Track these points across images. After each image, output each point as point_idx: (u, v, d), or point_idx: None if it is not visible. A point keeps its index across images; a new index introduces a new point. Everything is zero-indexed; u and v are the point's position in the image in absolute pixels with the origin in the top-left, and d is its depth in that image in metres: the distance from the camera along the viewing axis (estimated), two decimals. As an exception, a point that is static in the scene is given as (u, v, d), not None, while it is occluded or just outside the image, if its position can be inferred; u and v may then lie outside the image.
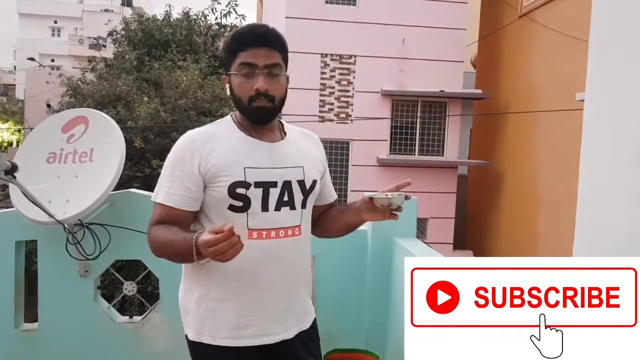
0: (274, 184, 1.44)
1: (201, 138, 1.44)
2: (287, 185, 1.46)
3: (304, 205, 1.51)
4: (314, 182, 1.53)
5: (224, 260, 1.21)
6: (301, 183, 1.49)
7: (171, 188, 1.42)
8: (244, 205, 1.40)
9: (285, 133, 1.55)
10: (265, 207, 1.42)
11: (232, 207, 1.40)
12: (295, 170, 1.49)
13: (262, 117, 1.46)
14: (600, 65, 1.96)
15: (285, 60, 1.48)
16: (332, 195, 1.69)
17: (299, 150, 1.54)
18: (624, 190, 1.74)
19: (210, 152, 1.41)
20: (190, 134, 1.46)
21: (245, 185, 1.40)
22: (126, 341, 2.60)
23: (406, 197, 1.42)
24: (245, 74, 1.41)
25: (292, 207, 1.47)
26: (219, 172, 1.40)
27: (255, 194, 1.41)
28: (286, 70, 1.47)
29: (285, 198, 1.46)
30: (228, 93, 1.48)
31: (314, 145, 1.62)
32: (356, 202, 1.55)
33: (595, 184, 1.94)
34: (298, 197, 1.48)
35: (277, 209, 1.44)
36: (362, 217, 1.52)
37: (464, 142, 11.39)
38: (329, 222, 1.64)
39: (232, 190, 1.39)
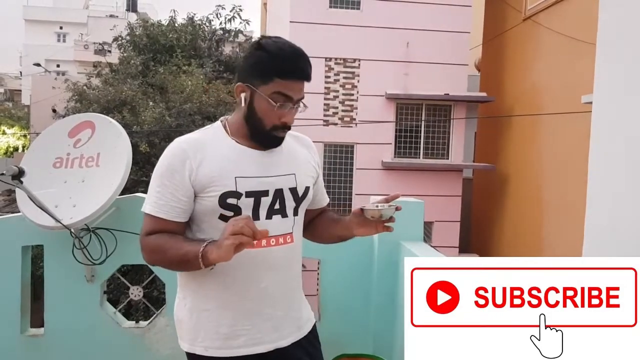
0: (265, 193, 1.41)
1: (191, 147, 1.40)
2: (278, 193, 1.44)
3: (295, 213, 1.48)
4: (307, 189, 1.51)
5: (245, 240, 1.22)
6: (293, 191, 1.47)
7: (160, 199, 1.38)
8: (235, 214, 1.37)
9: None
10: (255, 216, 1.40)
11: (222, 217, 1.38)
12: (287, 178, 1.46)
13: (276, 145, 1.46)
14: (608, 67, 1.95)
15: None
16: (325, 200, 1.67)
17: (291, 156, 1.51)
18: (633, 192, 1.73)
19: (200, 161, 1.38)
20: (179, 142, 1.42)
21: (237, 195, 1.37)
22: (132, 346, 2.60)
23: (397, 209, 1.41)
24: (278, 104, 1.38)
25: (284, 215, 1.45)
26: (210, 182, 1.37)
27: (246, 204, 1.39)
28: None
29: (277, 206, 1.44)
30: (242, 103, 1.41)
31: (306, 149, 1.59)
32: (347, 216, 1.52)
33: (604, 186, 1.93)
34: (290, 204, 1.46)
35: (268, 217, 1.42)
36: (352, 233, 1.50)
37: (469, 145, 11.36)
38: (320, 229, 1.62)
39: (222, 200, 1.37)
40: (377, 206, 1.42)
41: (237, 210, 1.38)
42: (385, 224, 1.44)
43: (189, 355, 1.47)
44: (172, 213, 1.38)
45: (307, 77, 1.41)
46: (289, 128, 1.43)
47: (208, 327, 1.42)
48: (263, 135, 1.42)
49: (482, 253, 10.69)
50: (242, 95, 1.41)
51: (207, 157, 1.40)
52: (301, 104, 1.44)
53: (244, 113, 1.43)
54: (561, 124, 8.22)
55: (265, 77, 1.38)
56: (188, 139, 1.44)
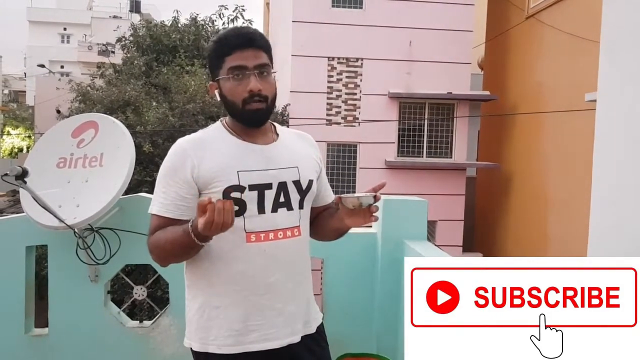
0: (268, 186, 1.43)
1: (192, 145, 1.43)
2: (282, 186, 1.45)
3: (301, 206, 1.50)
4: (310, 182, 1.52)
5: (225, 226, 1.24)
6: (297, 183, 1.48)
7: (166, 199, 1.41)
8: (240, 209, 1.39)
9: (277, 135, 1.54)
10: (261, 210, 1.42)
11: None
12: (290, 170, 1.48)
13: (257, 119, 1.45)
14: (611, 64, 1.94)
15: (271, 59, 1.48)
16: (330, 197, 1.67)
17: (293, 150, 1.53)
18: (638, 190, 1.72)
19: (202, 158, 1.41)
20: (180, 142, 1.45)
21: (240, 189, 1.39)
22: (136, 346, 2.60)
23: (375, 197, 1.42)
24: (236, 77, 1.41)
25: (290, 208, 1.47)
26: (213, 177, 1.39)
27: (250, 197, 1.40)
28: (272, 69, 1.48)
29: (282, 199, 1.45)
30: (218, 99, 1.47)
31: (308, 145, 1.61)
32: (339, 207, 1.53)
33: (609, 184, 1.92)
34: (295, 197, 1.48)
35: (274, 210, 1.44)
36: (345, 224, 1.50)
37: (472, 144, 11.33)
38: (321, 225, 1.62)
39: (226, 195, 1.38)
40: (356, 195, 1.43)
41: (241, 204, 1.39)
42: (373, 214, 1.45)
43: (199, 354, 1.46)
44: (178, 211, 1.40)
45: (252, 43, 1.42)
46: (263, 97, 1.43)
47: (220, 324, 1.43)
48: (241, 114, 1.44)
49: (486, 252, 10.67)
50: (216, 92, 1.48)
51: (209, 154, 1.42)
52: (271, 72, 1.45)
53: (224, 106, 1.47)
54: (565, 122, 8.20)
55: (219, 63, 1.44)
56: (189, 138, 1.47)
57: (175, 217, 1.40)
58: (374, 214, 1.44)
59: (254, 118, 1.44)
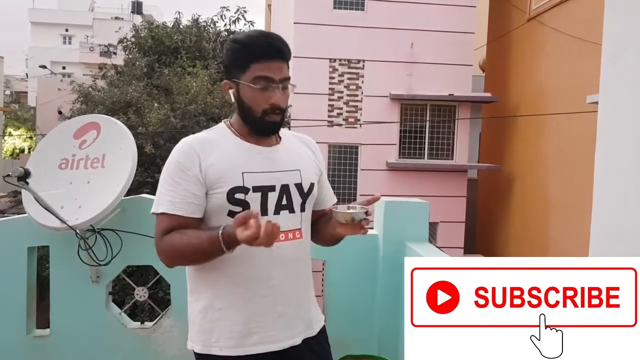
0: (272, 188, 1.44)
1: (199, 144, 1.43)
2: (285, 188, 1.46)
3: (303, 209, 1.51)
4: (312, 185, 1.53)
5: (266, 246, 1.24)
6: (299, 186, 1.49)
7: (174, 197, 1.39)
8: (243, 210, 1.38)
9: (280, 137, 1.55)
10: (264, 212, 1.42)
11: (231, 213, 1.39)
12: (292, 173, 1.49)
13: (273, 130, 1.48)
14: (613, 66, 1.94)
15: (289, 68, 1.49)
16: (331, 200, 1.68)
17: (295, 153, 1.54)
18: (639, 191, 1.72)
19: (208, 158, 1.41)
20: (187, 140, 1.45)
21: (244, 190, 1.40)
22: (137, 347, 2.60)
23: (367, 213, 1.41)
24: (261, 88, 1.41)
25: (292, 211, 1.47)
26: (218, 178, 1.39)
27: (253, 199, 1.41)
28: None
29: (284, 202, 1.46)
30: (232, 99, 1.47)
31: (309, 148, 1.62)
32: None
33: (611, 186, 1.92)
34: (297, 200, 1.49)
35: (277, 212, 1.44)
36: (338, 232, 1.50)
37: (474, 146, 11.34)
38: (320, 231, 1.62)
39: (230, 195, 1.39)
40: (348, 208, 1.43)
41: (245, 206, 1.39)
42: (364, 226, 1.44)
43: (201, 356, 1.46)
44: (189, 209, 1.39)
45: (281, 55, 1.43)
46: (282, 110, 1.44)
47: (222, 326, 1.43)
48: (257, 123, 1.44)
49: (487, 254, 10.66)
50: (230, 91, 1.47)
51: (215, 155, 1.42)
52: (289, 86, 1.46)
53: (236, 108, 1.47)
54: (566, 124, 8.19)
55: (242, 66, 1.42)
56: (195, 137, 1.47)
57: (186, 215, 1.38)
58: (364, 227, 1.44)
59: (270, 129, 1.46)
